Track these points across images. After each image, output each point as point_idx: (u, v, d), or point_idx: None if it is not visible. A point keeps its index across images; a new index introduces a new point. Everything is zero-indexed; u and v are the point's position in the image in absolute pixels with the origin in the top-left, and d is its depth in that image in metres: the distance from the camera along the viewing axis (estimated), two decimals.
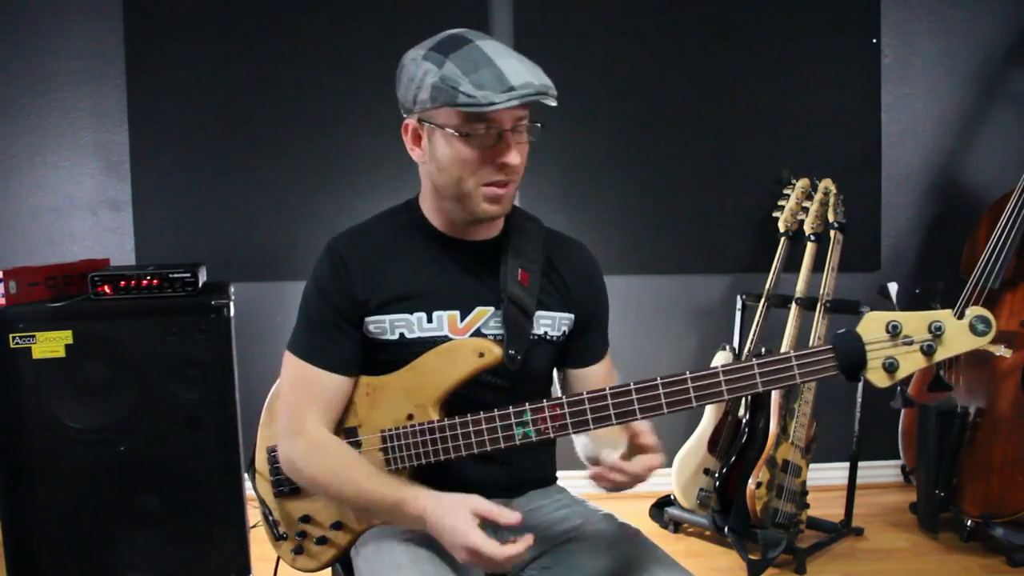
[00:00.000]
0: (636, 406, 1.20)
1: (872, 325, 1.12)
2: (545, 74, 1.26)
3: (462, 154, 1.26)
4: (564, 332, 1.42)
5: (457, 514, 1.20)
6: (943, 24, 3.08)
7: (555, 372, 1.49)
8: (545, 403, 1.24)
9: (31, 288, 2.18)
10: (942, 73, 3.10)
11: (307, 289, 1.39)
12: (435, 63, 1.24)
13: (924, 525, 2.73)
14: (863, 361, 1.12)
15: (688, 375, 1.18)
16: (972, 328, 1.09)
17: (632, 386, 1.20)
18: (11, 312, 2.09)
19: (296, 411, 1.35)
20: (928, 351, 1.10)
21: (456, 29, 1.30)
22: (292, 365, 1.37)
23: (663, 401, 1.18)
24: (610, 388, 1.21)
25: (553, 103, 1.24)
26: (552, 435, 1.24)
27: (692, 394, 1.18)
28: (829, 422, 2.83)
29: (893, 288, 1.22)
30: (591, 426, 1.23)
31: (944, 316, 1.10)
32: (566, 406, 1.23)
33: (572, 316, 1.42)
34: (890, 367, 1.11)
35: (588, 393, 1.22)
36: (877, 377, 1.12)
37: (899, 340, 1.11)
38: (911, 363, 1.10)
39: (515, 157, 1.27)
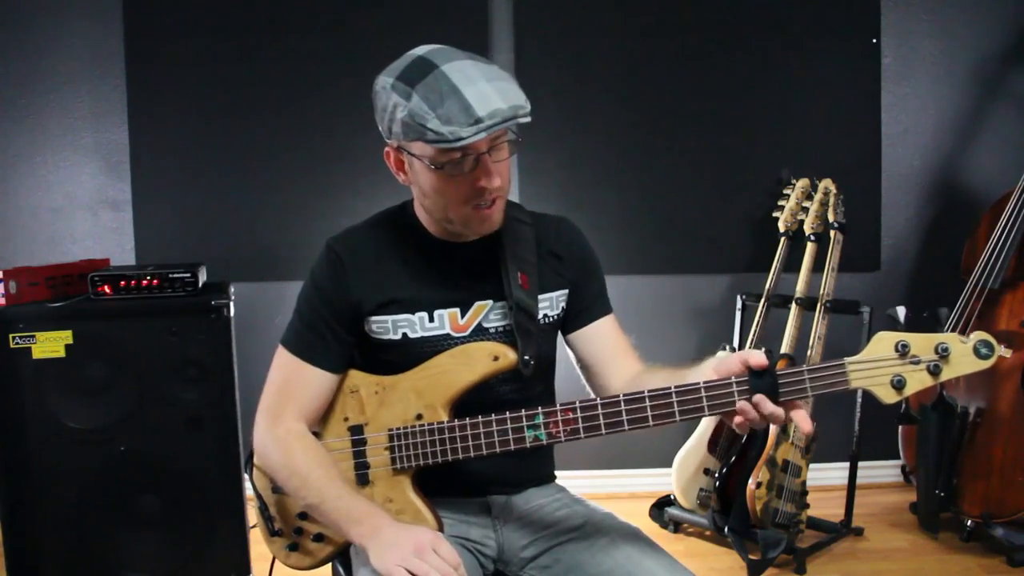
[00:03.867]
0: (649, 413, 1.21)
1: (882, 344, 1.17)
2: (518, 88, 1.22)
3: (441, 184, 1.26)
4: (562, 308, 1.44)
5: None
6: (943, 24, 3.08)
7: (571, 354, 1.49)
8: (558, 407, 1.25)
9: (31, 288, 2.18)
10: (942, 73, 3.10)
11: (305, 286, 1.41)
12: (403, 96, 1.20)
13: (924, 525, 2.73)
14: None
15: (702, 384, 1.19)
16: (976, 351, 1.15)
17: (646, 393, 1.21)
18: (11, 312, 2.09)
19: (279, 397, 1.38)
20: (934, 371, 1.15)
21: (423, 49, 1.25)
22: (283, 358, 1.40)
23: (676, 409, 1.20)
24: (624, 394, 1.22)
25: (526, 120, 1.21)
26: (563, 439, 1.25)
27: (705, 403, 1.19)
28: (829, 422, 2.82)
29: (901, 311, 1.25)
30: (603, 431, 1.23)
31: (950, 339, 1.15)
32: (579, 411, 1.24)
33: (567, 290, 1.44)
34: (898, 384, 1.15)
35: (601, 399, 1.23)
36: (885, 393, 1.16)
37: (907, 359, 1.15)
38: (917, 381, 1.16)
39: (494, 180, 1.25)
